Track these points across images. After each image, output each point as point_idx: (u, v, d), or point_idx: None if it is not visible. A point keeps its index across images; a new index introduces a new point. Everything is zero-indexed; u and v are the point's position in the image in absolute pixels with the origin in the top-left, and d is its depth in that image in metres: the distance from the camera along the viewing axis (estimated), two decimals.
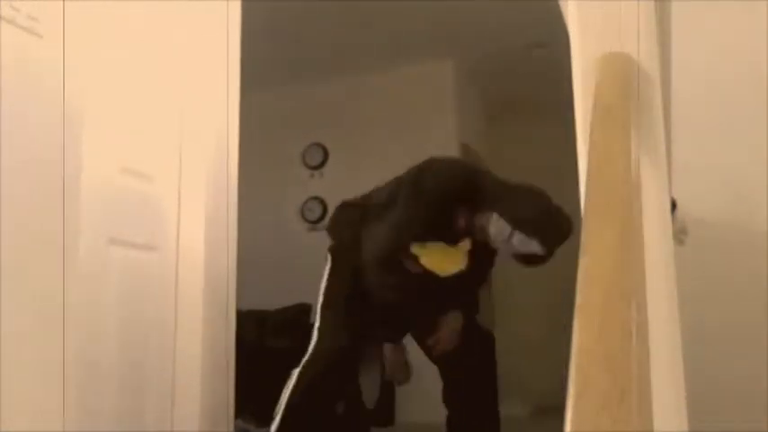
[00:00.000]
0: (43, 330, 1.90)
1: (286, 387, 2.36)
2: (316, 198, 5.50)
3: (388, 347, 2.58)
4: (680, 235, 2.19)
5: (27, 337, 1.84)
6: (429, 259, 2.17)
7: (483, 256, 2.30)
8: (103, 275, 2.22)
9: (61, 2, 2.02)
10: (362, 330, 2.39)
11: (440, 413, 2.61)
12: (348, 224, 2.46)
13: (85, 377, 2.09)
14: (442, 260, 2.18)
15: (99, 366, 2.17)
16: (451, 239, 2.17)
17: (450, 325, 2.48)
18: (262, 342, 4.24)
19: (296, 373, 2.36)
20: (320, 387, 2.34)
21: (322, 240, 2.80)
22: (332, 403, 2.48)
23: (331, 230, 2.66)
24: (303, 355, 2.42)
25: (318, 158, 5.56)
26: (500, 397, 2.59)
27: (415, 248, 2.18)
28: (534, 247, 2.09)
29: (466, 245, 2.19)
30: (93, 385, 2.13)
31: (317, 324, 2.45)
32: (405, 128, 5.38)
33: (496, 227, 2.10)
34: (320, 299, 2.49)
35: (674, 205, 2.08)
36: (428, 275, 2.18)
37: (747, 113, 2.30)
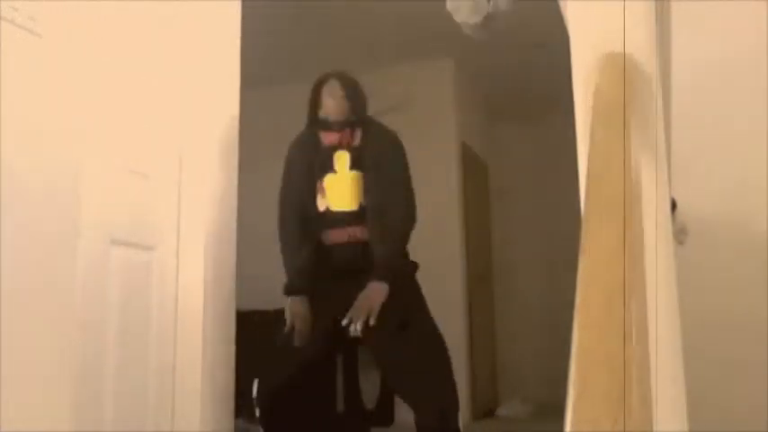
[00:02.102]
0: (44, 330, 1.90)
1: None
2: None
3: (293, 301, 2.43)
4: (680, 235, 2.19)
5: (27, 336, 1.84)
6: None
7: None
8: (104, 275, 2.22)
9: (61, 2, 2.02)
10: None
11: None
12: None
13: (86, 376, 2.09)
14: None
15: (99, 366, 2.17)
16: None
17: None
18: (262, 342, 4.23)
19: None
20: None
21: None
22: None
23: None
24: None
25: None
26: (498, 397, 2.55)
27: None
28: None
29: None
30: (93, 385, 2.13)
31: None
32: (405, 128, 5.37)
33: None
34: None
35: (674, 205, 2.08)
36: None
37: (747, 113, 2.30)
